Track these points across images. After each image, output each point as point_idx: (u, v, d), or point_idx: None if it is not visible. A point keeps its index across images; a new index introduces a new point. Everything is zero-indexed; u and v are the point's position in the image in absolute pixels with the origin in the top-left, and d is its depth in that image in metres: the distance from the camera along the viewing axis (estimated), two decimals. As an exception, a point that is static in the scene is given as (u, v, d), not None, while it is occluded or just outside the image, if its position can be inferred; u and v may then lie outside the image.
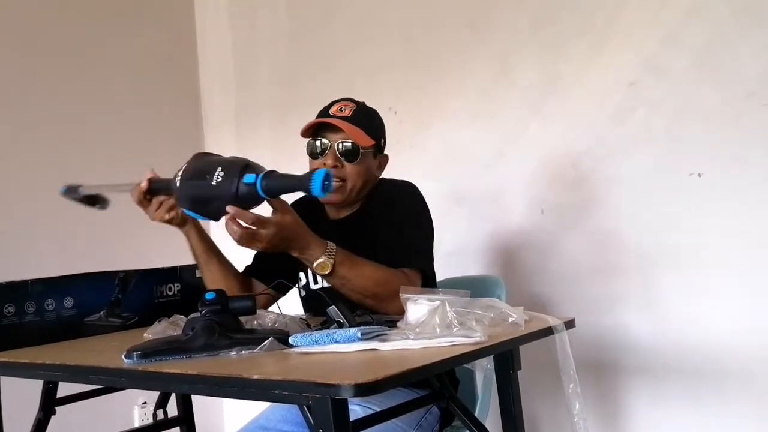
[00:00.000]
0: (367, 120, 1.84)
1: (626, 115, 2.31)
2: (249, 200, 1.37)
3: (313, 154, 1.81)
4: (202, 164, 1.41)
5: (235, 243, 1.43)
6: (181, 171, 1.45)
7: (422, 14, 2.77)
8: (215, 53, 3.46)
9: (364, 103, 1.87)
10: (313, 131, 1.81)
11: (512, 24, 2.54)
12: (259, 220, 1.40)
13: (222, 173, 1.36)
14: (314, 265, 1.52)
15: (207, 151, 3.39)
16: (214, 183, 1.36)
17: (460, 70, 2.66)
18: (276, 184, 1.36)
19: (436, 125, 2.71)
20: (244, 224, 1.39)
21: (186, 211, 1.50)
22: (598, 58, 2.37)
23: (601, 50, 2.36)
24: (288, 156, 3.10)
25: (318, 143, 1.80)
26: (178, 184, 1.43)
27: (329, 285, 1.70)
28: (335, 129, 1.78)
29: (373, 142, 1.81)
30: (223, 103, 3.44)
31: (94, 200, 1.74)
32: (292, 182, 1.35)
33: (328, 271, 1.52)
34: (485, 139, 2.60)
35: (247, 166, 1.37)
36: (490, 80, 2.59)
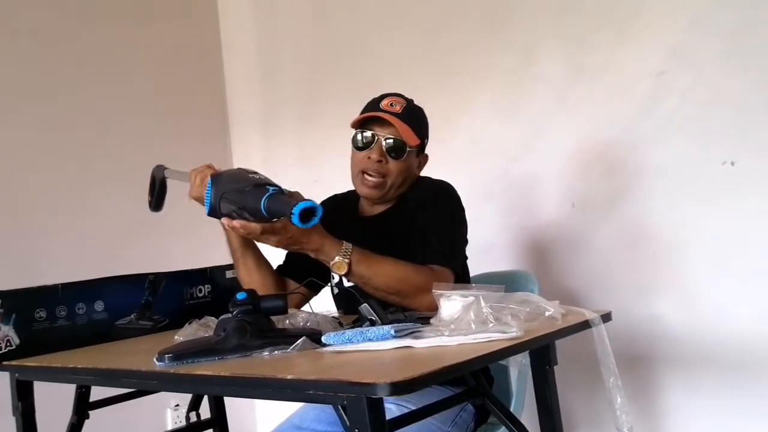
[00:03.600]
0: (416, 118, 1.82)
1: (655, 104, 2.27)
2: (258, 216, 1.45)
3: (359, 146, 1.80)
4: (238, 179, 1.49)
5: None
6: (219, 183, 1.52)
7: (445, 7, 2.74)
8: (239, 49, 3.44)
9: (412, 100, 1.86)
10: (360, 123, 1.80)
11: (535, 15, 2.50)
12: (266, 228, 1.45)
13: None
14: (331, 264, 1.54)
15: (234, 148, 3.40)
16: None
17: (484, 63, 2.63)
18: (273, 207, 1.39)
19: (462, 120, 2.68)
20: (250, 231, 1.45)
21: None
22: (623, 48, 2.33)
23: (626, 39, 2.32)
24: (313, 149, 3.12)
25: (365, 136, 1.79)
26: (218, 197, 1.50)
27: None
28: (384, 123, 1.77)
29: (418, 141, 1.80)
30: (248, 99, 3.43)
31: (157, 193, 1.84)
32: (282, 208, 1.37)
33: (344, 271, 1.54)
34: (512, 133, 2.56)
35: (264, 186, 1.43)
36: (514, 73, 2.56)
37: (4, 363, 1.55)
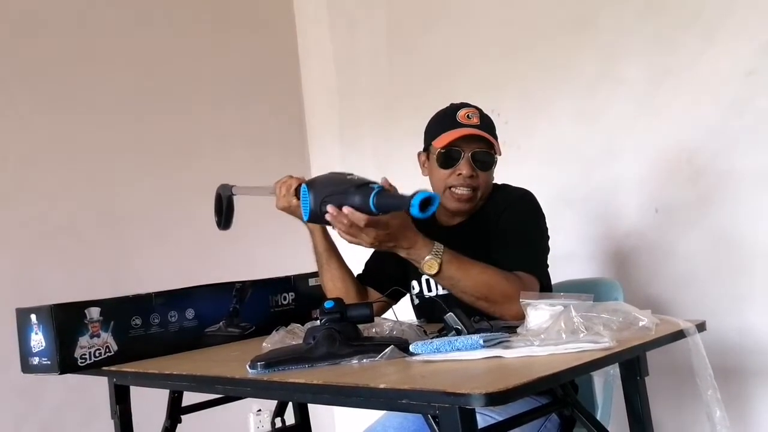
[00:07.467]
0: (492, 126, 1.82)
1: (744, 106, 2.20)
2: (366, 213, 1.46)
3: (446, 164, 1.78)
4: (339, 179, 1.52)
5: (341, 237, 1.50)
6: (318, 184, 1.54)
7: (525, 11, 2.72)
8: (317, 62, 3.49)
9: (480, 108, 1.83)
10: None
11: (618, 17, 2.46)
12: (371, 221, 1.44)
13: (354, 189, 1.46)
14: (422, 264, 1.53)
15: (312, 160, 3.45)
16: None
17: (564, 66, 2.59)
18: (384, 202, 1.42)
19: (541, 125, 2.65)
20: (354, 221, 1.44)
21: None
22: (710, 48, 2.26)
23: (713, 40, 2.25)
24: (390, 161, 3.14)
25: (452, 154, 1.76)
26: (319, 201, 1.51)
27: (444, 291, 1.68)
28: (467, 137, 1.75)
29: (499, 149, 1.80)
30: (327, 114, 3.47)
31: (224, 212, 1.90)
32: (396, 201, 1.41)
33: (435, 271, 1.52)
34: (593, 137, 2.52)
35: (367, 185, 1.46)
36: (596, 76, 2.51)
37: (104, 368, 1.61)
